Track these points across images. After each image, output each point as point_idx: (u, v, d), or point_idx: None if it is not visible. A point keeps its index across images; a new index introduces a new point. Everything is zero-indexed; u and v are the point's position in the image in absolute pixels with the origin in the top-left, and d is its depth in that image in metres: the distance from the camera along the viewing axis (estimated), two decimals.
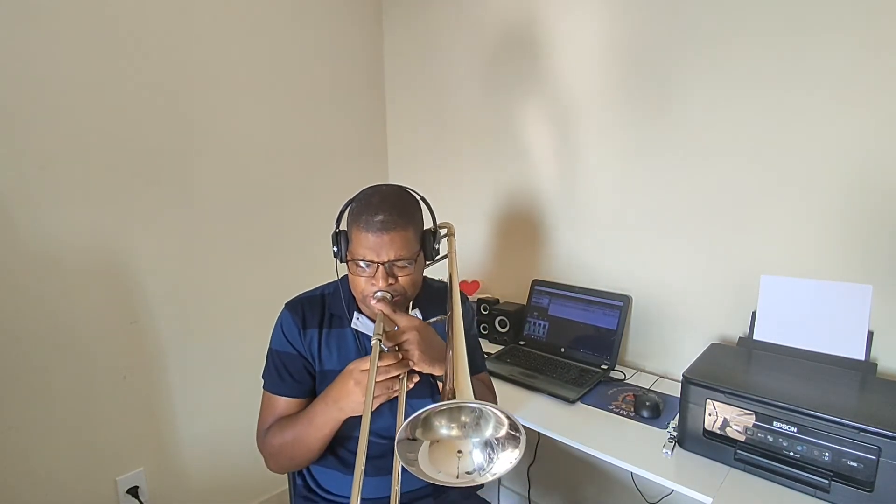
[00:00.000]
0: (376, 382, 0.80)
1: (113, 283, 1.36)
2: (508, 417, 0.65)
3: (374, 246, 0.85)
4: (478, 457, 0.70)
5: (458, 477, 0.69)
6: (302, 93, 1.73)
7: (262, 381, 0.98)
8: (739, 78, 1.16)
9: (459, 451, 0.70)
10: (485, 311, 1.67)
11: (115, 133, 1.32)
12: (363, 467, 0.67)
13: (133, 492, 1.42)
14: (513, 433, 0.67)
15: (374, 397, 0.81)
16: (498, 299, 1.70)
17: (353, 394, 0.82)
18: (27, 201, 1.21)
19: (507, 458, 0.67)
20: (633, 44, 1.32)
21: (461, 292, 1.11)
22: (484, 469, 0.69)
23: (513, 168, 1.65)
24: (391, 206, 0.87)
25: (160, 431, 1.49)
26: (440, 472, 0.68)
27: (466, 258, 1.85)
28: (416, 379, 0.85)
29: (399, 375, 0.83)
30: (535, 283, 1.60)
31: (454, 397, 0.66)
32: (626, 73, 1.34)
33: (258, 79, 1.61)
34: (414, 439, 0.68)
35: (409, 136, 1.99)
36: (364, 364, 0.82)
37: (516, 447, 0.67)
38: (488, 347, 1.59)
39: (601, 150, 1.43)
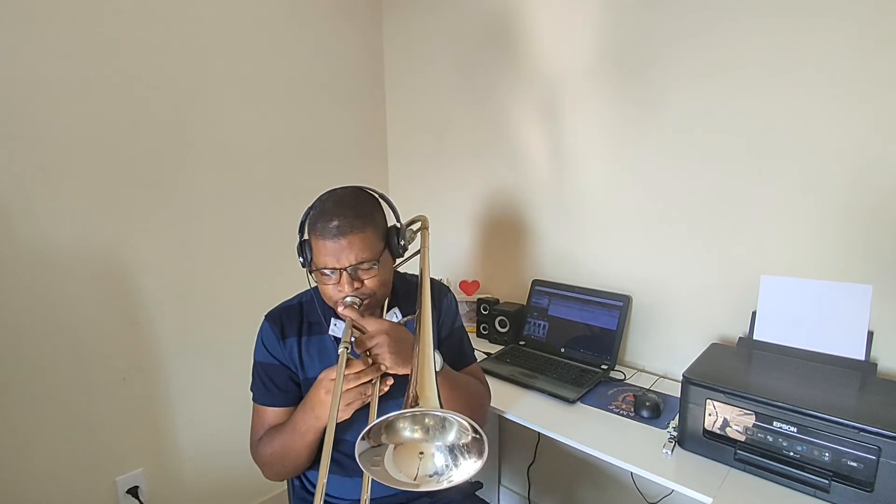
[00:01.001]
0: (350, 389, 0.79)
1: (113, 284, 1.36)
2: (469, 423, 0.62)
3: (333, 252, 0.84)
4: (439, 460, 0.67)
5: (415, 479, 0.66)
6: (302, 93, 1.73)
7: (251, 393, 0.98)
8: (739, 77, 1.16)
9: (421, 453, 0.68)
10: (485, 311, 1.66)
11: (115, 134, 1.32)
12: (325, 480, 0.65)
13: (133, 492, 1.43)
14: (476, 437, 0.64)
15: (347, 404, 0.81)
16: (498, 299, 1.70)
17: (325, 402, 0.81)
18: (27, 202, 1.21)
19: (469, 466, 0.65)
20: (633, 43, 1.32)
21: (443, 285, 1.10)
22: (443, 474, 0.66)
23: (513, 168, 1.65)
24: (345, 208, 0.85)
25: (160, 432, 1.49)
26: (400, 472, 0.66)
27: (466, 258, 1.85)
28: (390, 382, 0.84)
29: (371, 380, 0.81)
30: (535, 283, 1.60)
31: (418, 404, 0.63)
32: (626, 73, 1.34)
33: (257, 79, 1.61)
34: (379, 445, 0.66)
35: (409, 137, 1.99)
36: (334, 373, 0.80)
37: (481, 455, 0.64)
38: (488, 347, 1.59)
39: (601, 150, 1.43)
